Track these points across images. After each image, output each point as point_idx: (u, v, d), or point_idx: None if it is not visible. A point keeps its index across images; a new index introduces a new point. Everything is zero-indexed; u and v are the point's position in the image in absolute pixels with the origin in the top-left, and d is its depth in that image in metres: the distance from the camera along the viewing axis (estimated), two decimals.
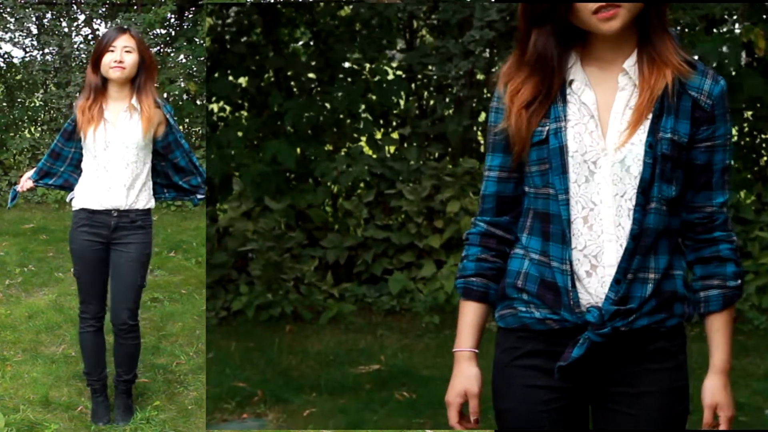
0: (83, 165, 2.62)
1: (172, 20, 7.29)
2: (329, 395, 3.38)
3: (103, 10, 7.12)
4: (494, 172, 1.48)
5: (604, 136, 1.39)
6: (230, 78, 4.81)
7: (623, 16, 1.34)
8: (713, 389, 1.46)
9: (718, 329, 1.47)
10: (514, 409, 1.45)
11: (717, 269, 1.45)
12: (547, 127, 1.40)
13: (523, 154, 1.42)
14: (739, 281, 1.46)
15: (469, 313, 1.50)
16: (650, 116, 1.37)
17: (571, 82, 1.41)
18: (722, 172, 1.44)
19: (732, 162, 1.46)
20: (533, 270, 1.43)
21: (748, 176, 4.56)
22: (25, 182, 2.73)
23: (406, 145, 4.83)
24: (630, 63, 1.39)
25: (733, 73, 4.41)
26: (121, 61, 2.52)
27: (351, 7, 4.98)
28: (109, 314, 2.72)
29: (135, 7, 7.00)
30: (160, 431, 2.73)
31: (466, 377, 1.49)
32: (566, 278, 1.39)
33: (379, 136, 4.90)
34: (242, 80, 4.89)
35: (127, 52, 2.53)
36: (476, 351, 1.50)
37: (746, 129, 4.63)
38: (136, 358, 2.79)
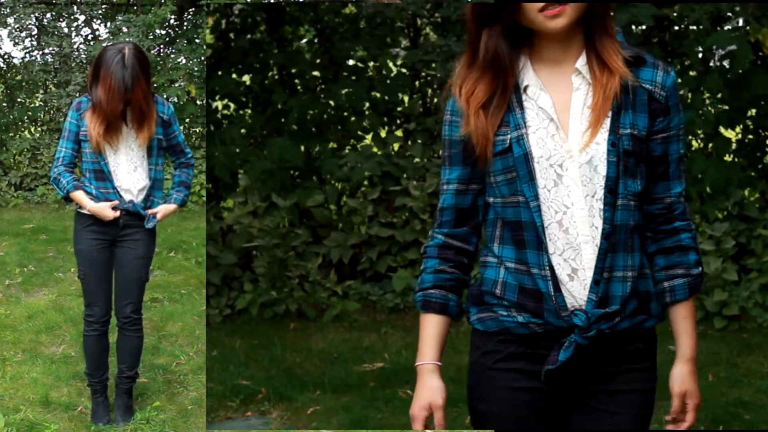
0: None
1: (172, 21, 7.27)
2: (333, 393, 3.37)
3: (103, 9, 7.10)
4: (452, 185, 1.48)
5: (567, 138, 1.39)
6: (234, 75, 4.80)
7: (569, 15, 1.35)
8: (682, 377, 1.46)
9: (685, 317, 1.47)
10: (499, 412, 1.46)
11: (680, 258, 1.46)
12: (508, 135, 1.40)
13: (488, 156, 1.41)
14: (700, 269, 1.47)
15: (431, 326, 1.49)
16: (609, 114, 1.38)
17: (526, 87, 1.41)
18: (678, 162, 1.44)
19: (684, 156, 1.47)
20: (510, 278, 1.43)
21: (752, 174, 4.53)
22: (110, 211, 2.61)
23: (410, 142, 4.81)
24: (581, 62, 1.39)
25: (740, 71, 4.39)
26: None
27: (354, 4, 4.97)
28: (114, 311, 2.72)
29: (135, 8, 6.98)
30: (160, 431, 2.72)
31: (430, 390, 1.49)
32: (548, 284, 1.39)
33: (383, 133, 4.88)
34: (246, 78, 4.88)
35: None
36: (439, 364, 1.50)
37: (751, 127, 4.61)
38: (139, 354, 2.80)
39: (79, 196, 2.58)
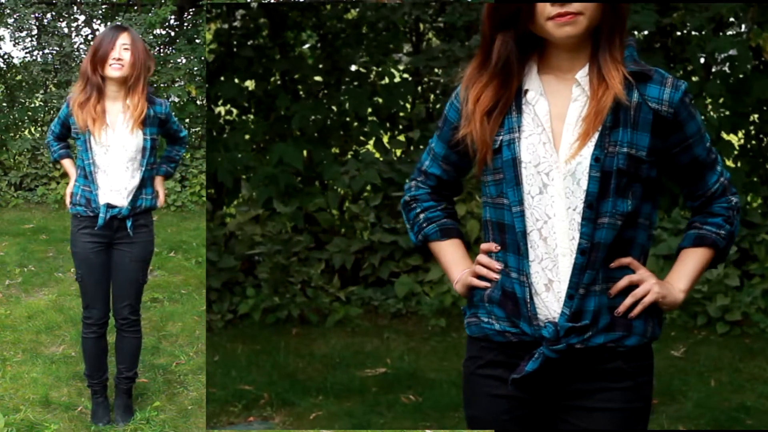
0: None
1: (172, 21, 7.26)
2: (335, 398, 3.36)
3: (103, 9, 7.09)
4: (438, 160, 1.55)
5: (557, 148, 1.38)
6: (236, 81, 4.78)
7: (581, 24, 1.34)
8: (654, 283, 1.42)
9: (682, 260, 1.49)
10: (481, 416, 1.48)
11: (702, 218, 1.50)
12: (501, 137, 1.40)
13: (487, 161, 1.42)
14: (723, 232, 1.47)
15: (456, 248, 1.53)
16: (599, 128, 1.36)
17: (526, 91, 1.41)
18: (707, 156, 1.46)
19: (710, 142, 1.49)
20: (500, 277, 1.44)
21: (755, 179, 4.54)
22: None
23: (413, 148, 4.80)
24: (582, 74, 1.38)
25: (741, 76, 4.39)
26: (119, 59, 2.49)
27: (357, 9, 4.96)
28: (112, 313, 2.72)
29: (135, 8, 6.98)
30: (159, 431, 2.72)
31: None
32: (524, 290, 1.40)
33: (386, 139, 4.88)
34: (249, 83, 4.87)
35: (125, 49, 2.51)
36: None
37: (753, 132, 4.61)
38: (138, 355, 2.80)
39: (65, 164, 2.74)
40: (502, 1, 1.37)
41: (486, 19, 1.39)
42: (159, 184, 2.69)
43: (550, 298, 1.38)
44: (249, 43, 4.84)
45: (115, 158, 2.53)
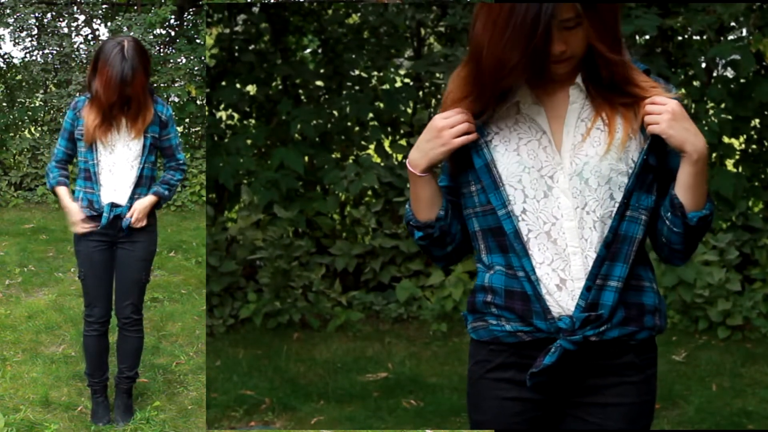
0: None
1: (172, 20, 7.25)
2: (337, 403, 3.36)
3: (103, 9, 7.09)
4: (443, 192, 1.50)
5: (559, 151, 1.40)
6: (238, 86, 4.78)
7: (571, 63, 1.37)
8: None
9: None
10: (489, 421, 1.48)
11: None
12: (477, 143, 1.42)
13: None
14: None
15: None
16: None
17: (518, 102, 1.42)
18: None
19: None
20: (498, 282, 1.44)
21: (756, 184, 4.54)
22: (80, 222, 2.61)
23: None
24: (581, 78, 1.40)
25: (742, 80, 4.40)
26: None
27: (359, 14, 4.96)
28: (114, 312, 2.72)
29: (135, 8, 6.97)
30: (160, 431, 2.72)
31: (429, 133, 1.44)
32: (534, 286, 1.40)
33: (387, 144, 4.87)
34: (250, 88, 4.86)
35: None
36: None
37: (754, 136, 4.61)
38: (139, 354, 2.80)
39: (60, 192, 2.62)
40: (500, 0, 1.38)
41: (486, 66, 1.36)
42: (138, 205, 2.55)
43: (564, 296, 1.39)
44: (250, 47, 4.84)
45: (120, 157, 2.55)
